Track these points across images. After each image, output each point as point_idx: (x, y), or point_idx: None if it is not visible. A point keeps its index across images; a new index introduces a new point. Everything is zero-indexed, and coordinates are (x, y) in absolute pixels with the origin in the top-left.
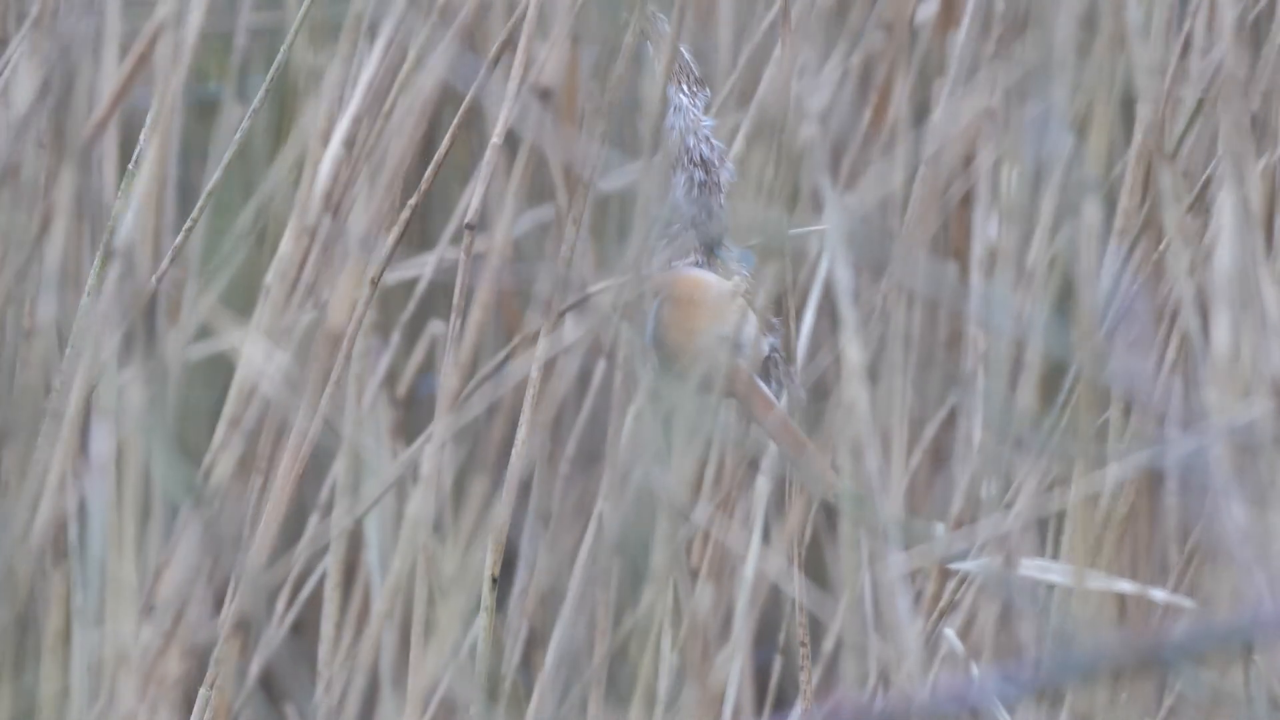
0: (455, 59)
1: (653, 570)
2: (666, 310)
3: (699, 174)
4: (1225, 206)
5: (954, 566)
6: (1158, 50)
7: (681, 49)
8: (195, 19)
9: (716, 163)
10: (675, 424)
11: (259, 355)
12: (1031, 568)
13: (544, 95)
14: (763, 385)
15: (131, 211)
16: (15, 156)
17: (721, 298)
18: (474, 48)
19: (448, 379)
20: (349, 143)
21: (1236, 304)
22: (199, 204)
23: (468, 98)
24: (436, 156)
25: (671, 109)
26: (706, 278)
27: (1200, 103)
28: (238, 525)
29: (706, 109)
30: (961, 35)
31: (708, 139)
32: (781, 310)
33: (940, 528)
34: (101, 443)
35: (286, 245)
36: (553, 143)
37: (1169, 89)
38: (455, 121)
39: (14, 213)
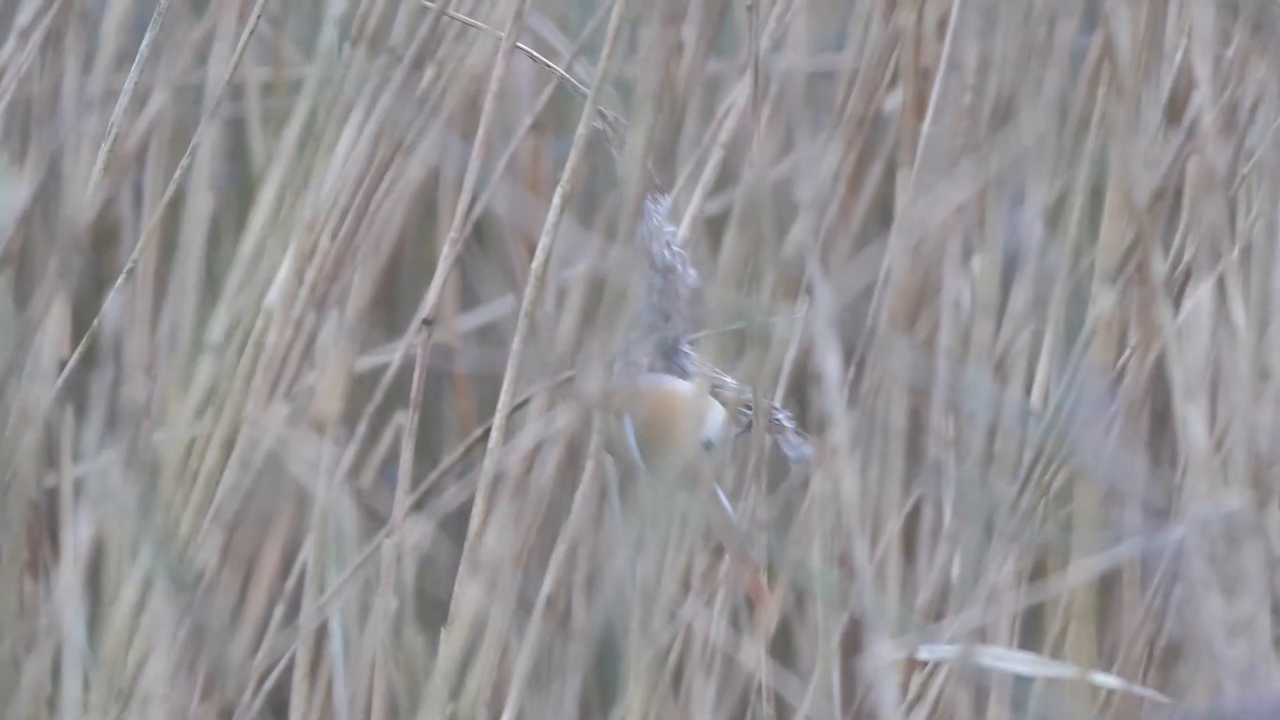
0: (443, 146)
1: (635, 666)
2: (642, 426)
3: (658, 280)
4: (1200, 296)
5: (929, 655)
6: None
7: (648, 166)
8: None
9: (679, 268)
10: (656, 517)
11: (242, 445)
12: (1007, 659)
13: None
14: (714, 483)
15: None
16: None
17: (692, 404)
18: (460, 134)
19: (405, 470)
20: (334, 234)
21: (1212, 395)
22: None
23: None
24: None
25: (642, 222)
26: (677, 386)
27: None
28: (219, 615)
29: (670, 215)
30: (926, 126)
31: (669, 245)
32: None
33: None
34: (81, 531)
35: (273, 336)
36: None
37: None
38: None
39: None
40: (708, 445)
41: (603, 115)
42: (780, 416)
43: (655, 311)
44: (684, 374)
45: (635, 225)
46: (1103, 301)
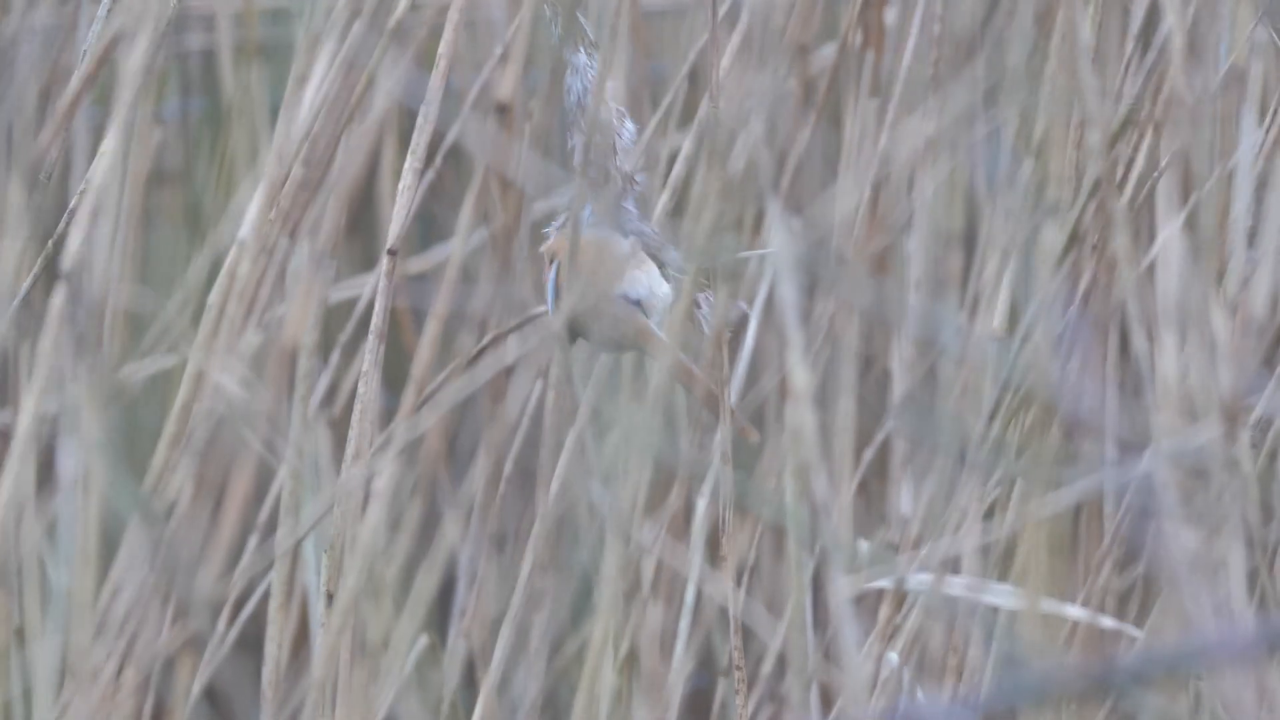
0: (408, 78)
1: (601, 591)
2: (566, 275)
3: (597, 136)
4: (1171, 230)
5: (898, 586)
6: (1110, 74)
7: (579, 17)
8: (147, 38)
9: (615, 124)
10: (622, 443)
11: (210, 374)
12: (977, 591)
13: (500, 110)
14: (658, 332)
15: (80, 231)
16: None
17: (620, 257)
18: (424, 65)
19: (370, 400)
20: (307, 162)
21: (1183, 328)
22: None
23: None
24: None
25: (569, 71)
26: (604, 237)
27: (1145, 124)
28: (188, 544)
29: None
30: (907, 58)
31: (605, 102)
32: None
33: (871, 547)
34: (68, 461)
35: (244, 266)
36: (498, 160)
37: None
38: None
39: None
40: (633, 301)
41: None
42: (701, 298)
43: (593, 168)
44: (624, 234)
45: (564, 77)
46: (1052, 233)
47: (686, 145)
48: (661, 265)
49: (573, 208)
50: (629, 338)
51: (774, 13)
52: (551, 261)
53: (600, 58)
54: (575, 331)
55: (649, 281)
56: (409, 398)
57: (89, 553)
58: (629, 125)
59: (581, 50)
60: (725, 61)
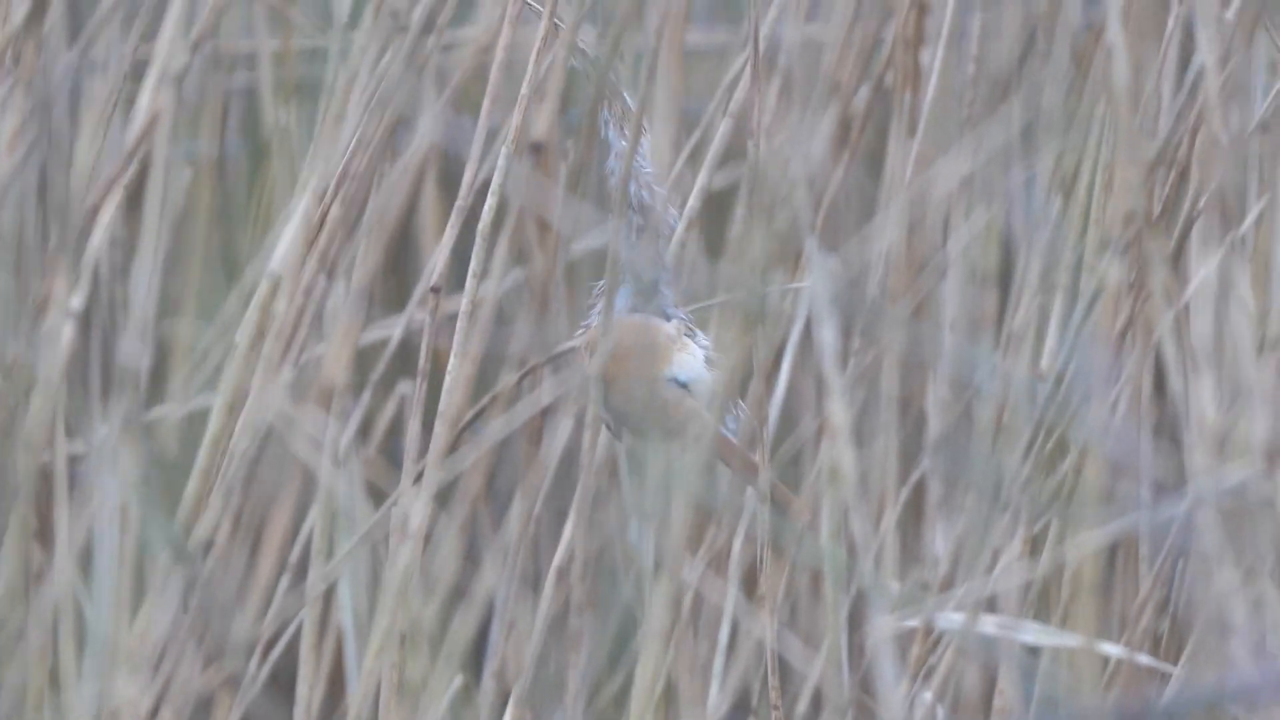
0: (446, 120)
1: (649, 629)
2: (608, 361)
3: (638, 219)
4: (1206, 270)
5: (930, 625)
6: (1147, 114)
7: (624, 94)
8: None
9: (657, 208)
10: (669, 483)
11: (245, 410)
12: (1012, 630)
13: (535, 150)
14: (707, 414)
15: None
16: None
17: (661, 340)
18: (462, 109)
19: (412, 440)
20: (343, 201)
21: (1218, 368)
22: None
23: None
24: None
25: (611, 154)
26: (646, 322)
27: (1184, 165)
28: (224, 584)
29: (650, 153)
30: (936, 97)
31: (649, 185)
32: (754, 371)
33: (906, 587)
34: (104, 500)
35: (280, 303)
36: (534, 201)
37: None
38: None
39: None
40: (681, 384)
41: (582, 52)
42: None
43: (635, 252)
44: (664, 316)
45: (606, 160)
46: (1110, 273)
47: (719, 179)
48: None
49: (608, 294)
50: (677, 422)
51: (812, 53)
52: (591, 353)
53: (636, 107)
54: (620, 421)
55: (695, 364)
56: (442, 437)
57: (124, 593)
58: (672, 211)
59: (622, 131)
60: (768, 103)
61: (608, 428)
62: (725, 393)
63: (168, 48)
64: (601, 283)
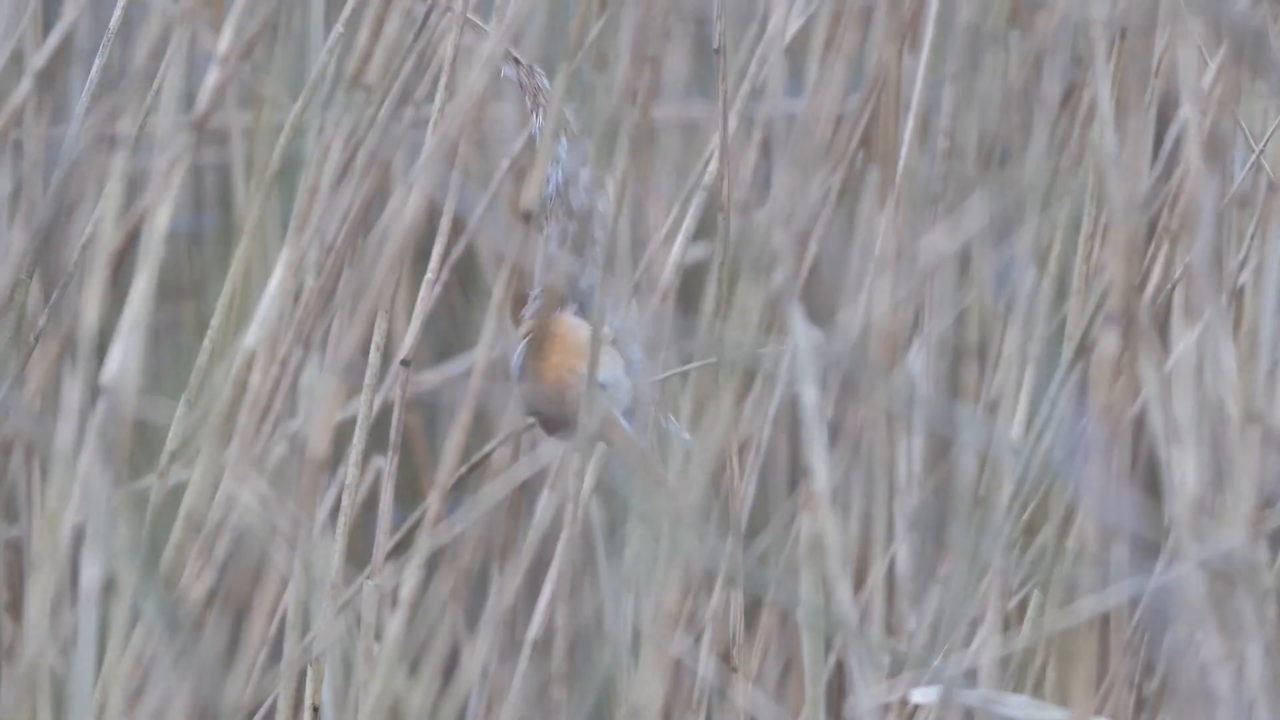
0: (440, 180)
1: (641, 705)
2: (532, 351)
3: (573, 226)
4: (1186, 342)
5: (916, 698)
6: (1137, 181)
7: (564, 110)
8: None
9: (592, 215)
10: (651, 549)
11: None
12: (996, 701)
13: (526, 219)
14: (623, 421)
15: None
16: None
17: (587, 342)
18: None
19: (384, 513)
20: (319, 271)
21: (1204, 440)
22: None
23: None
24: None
25: (552, 162)
26: (573, 322)
27: (1168, 231)
28: (210, 657)
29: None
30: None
31: (585, 190)
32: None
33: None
34: (91, 572)
35: (255, 377)
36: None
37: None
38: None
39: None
40: (604, 388)
41: (515, 60)
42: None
43: (570, 257)
44: (596, 319)
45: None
46: (1105, 343)
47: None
48: (627, 361)
49: (545, 294)
50: (573, 417)
51: (791, 126)
52: (524, 338)
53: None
54: (531, 412)
55: (615, 369)
56: (432, 507)
57: (117, 663)
58: (604, 214)
59: (563, 139)
60: (744, 175)
61: (535, 423)
62: (654, 407)
63: (169, 127)
64: (538, 290)
